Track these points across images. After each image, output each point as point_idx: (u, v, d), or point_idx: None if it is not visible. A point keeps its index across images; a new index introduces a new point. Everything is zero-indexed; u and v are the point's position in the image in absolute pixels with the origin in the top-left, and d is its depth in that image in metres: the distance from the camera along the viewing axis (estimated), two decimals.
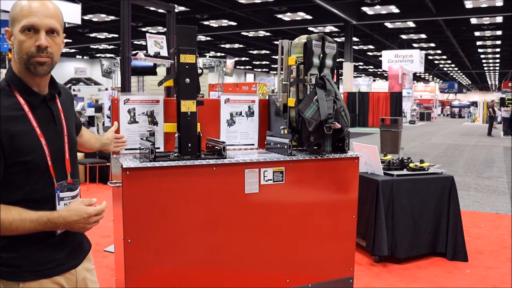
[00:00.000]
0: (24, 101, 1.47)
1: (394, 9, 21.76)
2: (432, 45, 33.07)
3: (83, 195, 1.68)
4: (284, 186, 2.88)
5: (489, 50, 34.92)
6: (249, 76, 47.26)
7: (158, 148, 2.95)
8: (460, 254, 4.29)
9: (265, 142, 3.21)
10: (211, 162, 2.67)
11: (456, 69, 50.04)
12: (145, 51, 3.94)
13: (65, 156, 1.55)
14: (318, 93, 2.92)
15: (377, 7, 21.58)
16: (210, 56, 32.10)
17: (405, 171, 4.42)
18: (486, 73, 53.53)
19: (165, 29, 12.08)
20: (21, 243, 1.45)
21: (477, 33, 27.68)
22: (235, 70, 26.19)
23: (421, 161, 4.62)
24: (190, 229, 2.64)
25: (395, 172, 4.30)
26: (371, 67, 48.06)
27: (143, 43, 26.34)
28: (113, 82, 20.78)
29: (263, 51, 36.72)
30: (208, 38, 29.91)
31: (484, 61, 42.12)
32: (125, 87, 10.53)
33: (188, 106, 2.73)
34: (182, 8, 20.75)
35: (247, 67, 47.60)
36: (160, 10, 16.78)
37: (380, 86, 40.92)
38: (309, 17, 23.35)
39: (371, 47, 34.72)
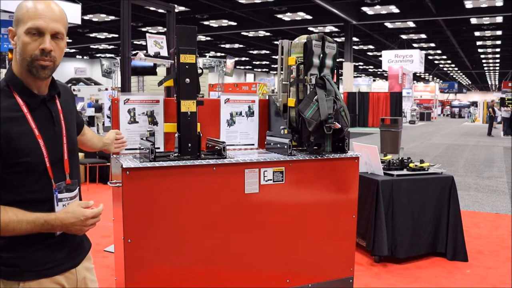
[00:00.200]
0: (23, 102, 1.47)
1: (394, 9, 21.76)
2: (432, 45, 33.08)
3: (83, 195, 1.68)
4: (284, 186, 2.88)
5: (489, 50, 34.93)
6: (249, 76, 47.27)
7: (158, 148, 2.95)
8: (460, 254, 4.29)
9: (265, 142, 3.21)
10: (211, 162, 2.67)
11: (456, 69, 50.04)
12: (145, 51, 3.94)
13: (64, 157, 1.55)
14: (318, 93, 2.92)
15: (377, 7, 21.58)
16: (210, 56, 32.11)
17: (405, 171, 4.42)
18: (486, 73, 53.54)
19: (165, 29, 12.08)
20: (21, 242, 1.45)
21: (477, 33, 27.69)
22: (235, 70, 26.19)
23: (421, 161, 4.62)
24: (190, 229, 2.64)
25: (395, 172, 4.30)
26: (371, 67, 48.07)
27: (143, 43, 26.35)
28: (113, 82, 20.79)
29: (263, 51, 36.72)
30: (208, 38, 29.91)
31: (484, 61, 42.12)
32: (125, 87, 10.53)
33: (188, 106, 2.73)
34: (182, 8, 20.75)
35: (247, 67, 47.61)
36: (160, 10, 16.79)
37: (380, 86, 40.93)
38: (309, 17, 23.36)
39: (371, 47, 34.72)
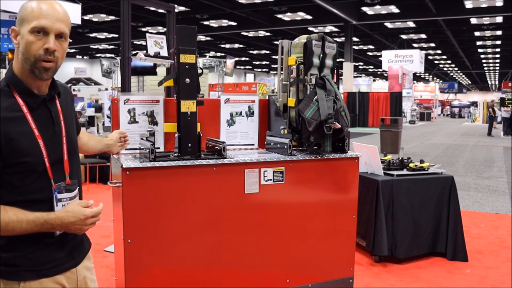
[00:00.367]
0: (23, 102, 1.47)
1: (394, 9, 21.76)
2: (432, 45, 33.08)
3: (83, 195, 1.68)
4: (284, 186, 2.88)
5: (489, 50, 34.93)
6: (249, 76, 47.27)
7: (158, 148, 2.95)
8: (460, 254, 4.29)
9: (265, 142, 3.21)
10: (211, 162, 2.67)
11: (456, 69, 50.05)
12: (145, 51, 3.94)
13: (64, 157, 1.55)
14: (318, 93, 2.92)
15: (377, 7, 21.58)
16: (210, 56, 32.11)
17: (405, 171, 4.42)
18: (486, 73, 53.54)
19: (165, 29, 12.09)
20: (21, 242, 1.45)
21: (477, 33, 27.68)
22: (235, 70, 26.20)
23: (421, 161, 4.61)
24: (190, 229, 2.64)
25: (395, 172, 4.30)
26: (371, 67, 48.07)
27: (143, 43, 26.35)
28: (113, 82, 20.79)
29: (263, 51, 36.72)
30: (208, 38, 29.91)
31: (484, 61, 42.13)
32: (125, 87, 10.54)
33: (188, 106, 2.73)
34: (182, 8, 20.75)
35: (247, 67, 47.61)
36: (160, 10, 16.79)
37: (380, 86, 40.93)
38: (309, 17, 23.36)
39: (371, 47, 34.72)
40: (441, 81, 53.92)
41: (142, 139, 2.80)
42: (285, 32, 26.31)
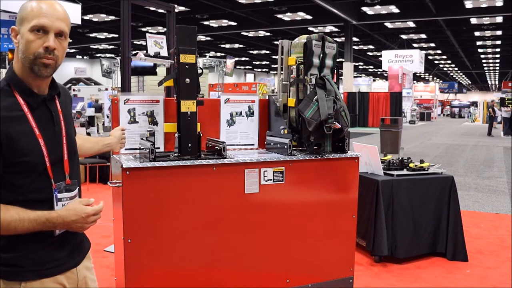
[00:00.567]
0: (23, 102, 1.47)
1: (394, 9, 21.76)
2: (432, 45, 33.08)
3: (83, 195, 1.68)
4: (284, 186, 2.88)
5: (489, 50, 34.92)
6: (249, 76, 47.26)
7: (158, 148, 2.95)
8: (460, 254, 4.29)
9: (265, 142, 3.21)
10: (211, 162, 2.67)
11: (456, 69, 50.04)
12: (145, 51, 3.94)
13: (64, 157, 1.55)
14: (318, 93, 2.92)
15: (377, 7, 21.58)
16: (210, 56, 32.12)
17: (405, 171, 4.42)
18: (486, 73, 53.53)
19: (165, 29, 12.09)
20: (22, 242, 1.45)
21: (477, 33, 27.68)
22: (235, 70, 26.21)
23: (421, 161, 4.61)
24: (190, 229, 2.64)
25: (395, 172, 4.30)
26: (371, 67, 48.06)
27: (143, 43, 26.35)
28: (113, 82, 20.82)
29: (263, 51, 36.72)
30: (208, 38, 29.91)
31: (484, 61, 42.12)
32: (125, 87, 10.54)
33: (188, 106, 2.73)
34: (182, 8, 20.75)
35: (247, 67, 47.61)
36: (160, 10, 16.79)
37: (380, 86, 40.93)
38: (309, 17, 23.36)
39: (371, 47, 34.72)
40: (441, 81, 53.91)
41: (142, 139, 2.80)
42: (285, 32, 26.31)
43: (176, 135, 2.74)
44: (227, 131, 3.21)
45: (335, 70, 3.16)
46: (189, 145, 2.72)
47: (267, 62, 43.84)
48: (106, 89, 20.41)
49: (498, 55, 37.79)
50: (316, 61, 3.04)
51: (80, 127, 9.21)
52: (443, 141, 18.09)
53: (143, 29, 25.65)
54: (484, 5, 20.50)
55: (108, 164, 7.52)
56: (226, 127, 3.21)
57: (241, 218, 2.78)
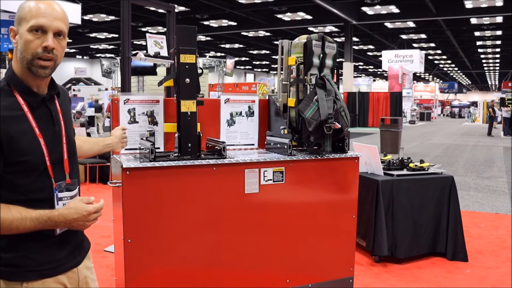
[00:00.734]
0: (23, 101, 1.47)
1: (394, 9, 21.76)
2: (432, 45, 33.08)
3: (83, 196, 1.68)
4: (284, 186, 2.88)
5: (489, 50, 34.92)
6: (249, 76, 47.26)
7: (158, 148, 2.95)
8: (460, 254, 4.29)
9: (265, 142, 3.21)
10: (211, 162, 2.67)
11: (456, 69, 50.04)
12: (145, 51, 3.94)
13: (64, 156, 1.56)
14: (318, 93, 2.92)
15: (377, 7, 21.58)
16: (210, 56, 32.12)
17: (405, 171, 4.42)
18: (486, 73, 53.53)
19: (165, 29, 12.08)
20: (22, 243, 1.45)
21: (477, 33, 27.68)
22: (235, 70, 26.21)
23: (421, 161, 4.61)
24: (190, 229, 2.64)
25: (395, 172, 4.30)
26: (371, 67, 48.06)
27: (143, 43, 26.35)
28: (113, 82, 20.82)
29: (263, 51, 36.72)
30: (208, 38, 29.91)
31: (484, 61, 42.12)
32: (125, 87, 10.53)
33: (188, 106, 2.73)
34: (182, 8, 20.75)
35: (247, 67, 47.60)
36: (160, 10, 16.79)
37: (380, 86, 40.92)
38: (309, 17, 23.36)
39: (371, 47, 34.72)
40: (441, 81, 53.91)
41: (142, 139, 2.80)
42: (285, 32, 26.31)
43: (176, 135, 2.74)
44: (227, 131, 3.21)
45: (335, 70, 3.16)
46: (189, 145, 2.72)
47: (267, 62, 43.84)
48: (106, 89, 20.42)
49: (498, 55, 37.79)
50: (316, 61, 3.04)
51: (80, 127, 9.21)
52: (443, 141, 18.09)
53: (143, 29, 25.65)
54: (484, 5, 20.50)
55: (108, 164, 7.52)
56: (226, 127, 3.21)
57: (241, 218, 2.78)
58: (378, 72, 51.00)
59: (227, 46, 33.81)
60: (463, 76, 58.97)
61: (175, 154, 2.72)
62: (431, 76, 53.35)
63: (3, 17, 10.76)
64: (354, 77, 41.63)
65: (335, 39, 7.24)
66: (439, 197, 4.33)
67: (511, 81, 35.90)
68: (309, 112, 2.86)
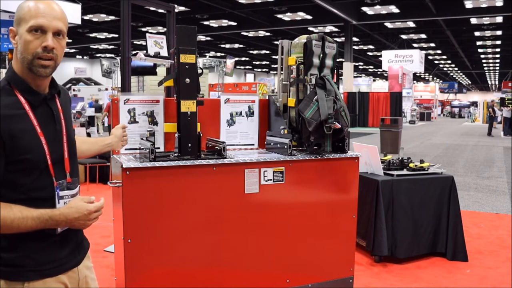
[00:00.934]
0: (24, 100, 1.48)
1: (394, 9, 21.76)
2: (432, 45, 33.07)
3: (83, 195, 1.68)
4: (284, 186, 2.88)
5: (489, 50, 34.91)
6: (249, 76, 47.26)
7: (158, 148, 2.95)
8: (460, 254, 4.29)
9: (265, 142, 3.21)
10: (211, 162, 2.67)
11: (456, 69, 50.04)
12: (145, 51, 3.94)
13: (64, 155, 1.56)
14: (318, 93, 2.92)
15: (377, 7, 21.58)
16: (210, 56, 32.11)
17: (405, 171, 4.42)
18: (486, 73, 53.52)
19: (165, 29, 12.08)
20: (23, 242, 1.46)
21: (477, 33, 27.68)
22: (235, 70, 26.21)
23: (421, 161, 4.61)
24: (190, 229, 2.64)
25: (395, 172, 4.30)
26: (371, 67, 48.06)
27: (143, 43, 26.35)
28: (113, 82, 20.82)
29: (263, 51, 36.71)
30: (208, 38, 29.91)
31: (484, 61, 42.11)
32: (125, 87, 10.53)
33: (188, 106, 2.73)
34: (182, 8, 20.75)
35: (247, 67, 47.60)
36: (160, 10, 16.79)
37: (380, 86, 40.92)
38: (309, 17, 23.35)
39: (371, 47, 34.72)
40: (441, 81, 53.90)
41: (142, 139, 2.80)
42: (285, 32, 26.31)
43: (176, 135, 2.74)
44: (227, 131, 3.21)
45: (335, 70, 3.16)
46: (189, 145, 2.72)
47: (267, 62, 43.84)
48: (106, 89, 20.43)
49: (498, 55, 37.79)
50: (316, 61, 3.04)
51: (80, 127, 9.21)
52: (443, 141, 18.09)
53: (143, 29, 25.65)
54: (484, 5, 20.50)
55: (108, 164, 7.51)
56: (226, 127, 3.21)
57: (241, 218, 2.78)
58: (378, 72, 50.99)
59: (227, 46, 33.81)
60: (463, 76, 58.97)
61: (175, 154, 2.72)
62: (431, 76, 53.34)
63: (3, 17, 10.76)
64: (354, 77, 41.63)
65: (335, 39, 7.24)
66: (439, 197, 4.33)
67: (511, 81, 35.89)
68: (309, 112, 2.86)
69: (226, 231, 2.74)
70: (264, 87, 21.65)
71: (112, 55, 31.62)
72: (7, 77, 1.52)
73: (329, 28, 26.96)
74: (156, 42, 4.03)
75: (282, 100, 3.21)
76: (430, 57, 39.59)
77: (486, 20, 23.68)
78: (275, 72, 47.46)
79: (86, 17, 21.89)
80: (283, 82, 3.23)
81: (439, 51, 36.62)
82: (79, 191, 1.63)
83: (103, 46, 32.99)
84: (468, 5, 20.60)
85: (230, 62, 20.65)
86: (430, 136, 21.09)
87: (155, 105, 2.98)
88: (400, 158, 4.69)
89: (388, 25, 26.06)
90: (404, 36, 29.43)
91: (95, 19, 23.63)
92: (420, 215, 4.24)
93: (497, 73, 52.03)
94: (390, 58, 28.98)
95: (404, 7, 21.46)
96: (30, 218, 1.41)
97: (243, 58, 40.33)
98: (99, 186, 7.80)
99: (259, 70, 50.60)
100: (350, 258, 3.17)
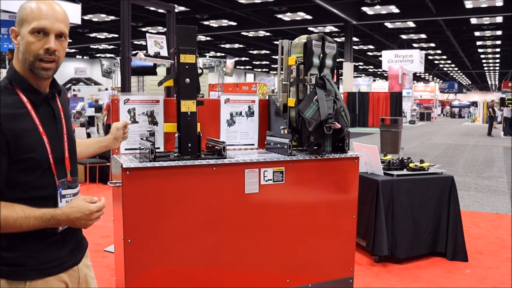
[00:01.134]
0: (26, 99, 1.48)
1: (394, 9, 21.76)
2: (432, 45, 33.07)
3: (83, 195, 1.68)
4: (284, 186, 2.88)
5: (489, 50, 34.91)
6: (249, 76, 47.26)
7: (158, 148, 2.95)
8: (460, 254, 4.29)
9: (265, 142, 3.21)
10: (211, 162, 2.67)
11: (456, 69, 50.04)
12: (145, 51, 3.95)
13: (65, 154, 1.57)
14: (318, 93, 2.92)
15: (377, 7, 21.58)
16: (210, 56, 32.11)
17: (405, 171, 4.42)
18: (486, 73, 53.52)
19: (165, 29, 12.08)
20: (24, 242, 1.46)
21: (477, 33, 27.68)
22: (235, 70, 26.21)
23: (421, 161, 4.61)
24: (190, 229, 2.64)
25: (395, 172, 4.30)
26: (371, 67, 48.06)
27: (143, 43, 26.34)
28: (113, 82, 20.82)
29: (263, 51, 36.71)
30: (208, 38, 29.91)
31: (484, 61, 42.12)
32: (125, 87, 10.53)
33: (188, 106, 2.73)
34: (182, 8, 20.75)
35: (247, 67, 47.60)
36: (160, 10, 16.79)
37: (380, 86, 40.92)
38: (309, 17, 23.35)
39: (371, 47, 34.71)
40: (441, 81, 53.90)
41: (142, 139, 2.80)
42: (285, 32, 26.31)
43: (176, 135, 2.74)
44: (227, 131, 3.21)
45: (335, 70, 3.16)
46: (189, 145, 2.72)
47: (267, 62, 43.84)
48: (106, 89, 20.43)
49: (498, 55, 37.78)
50: (316, 61, 3.04)
51: (80, 127, 9.21)
52: (443, 141, 18.09)
53: (143, 29, 25.65)
54: (484, 5, 20.50)
55: (108, 164, 7.51)
56: (226, 127, 3.21)
57: (241, 218, 2.78)
58: (378, 72, 50.99)
59: (227, 46, 33.81)
60: (463, 76, 58.97)
61: (175, 154, 2.72)
62: (431, 76, 53.34)
63: (3, 17, 10.75)
64: (354, 77, 41.63)
65: (335, 39, 7.24)
66: (439, 197, 4.33)
67: (511, 81, 35.89)
68: (309, 112, 2.86)
69: (226, 231, 2.74)
70: (264, 87, 21.65)
71: (112, 55, 31.61)
72: (8, 76, 1.52)
73: (329, 28, 26.96)
74: (156, 42, 4.04)
75: (282, 100, 3.21)
76: (430, 57, 39.59)
77: (486, 20, 23.68)
78: (275, 72, 47.46)
79: (86, 17, 21.89)
80: (283, 82, 3.24)
81: (439, 51, 36.62)
82: (79, 191, 1.63)
83: (103, 46, 32.99)
84: (468, 5, 20.60)
85: (230, 62, 20.65)
86: (430, 136, 21.09)
87: (155, 105, 2.98)
88: (400, 158, 4.69)
89: (388, 25, 26.06)
90: (404, 36, 29.43)
91: (95, 19, 23.62)
92: (420, 215, 4.24)
93: (497, 73, 52.02)
94: (390, 58, 28.98)
95: (404, 7, 21.46)
96: (32, 217, 1.41)
97: (243, 58, 40.33)
98: (99, 186, 7.80)
99: (259, 70, 50.60)
100: (350, 258, 3.17)
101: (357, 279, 3.46)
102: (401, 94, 26.69)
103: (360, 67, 47.43)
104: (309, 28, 25.37)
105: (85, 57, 39.02)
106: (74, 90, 22.50)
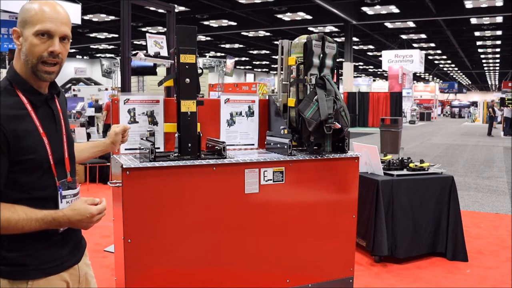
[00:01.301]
0: (27, 100, 1.48)
1: (394, 9, 21.76)
2: (432, 45, 33.07)
3: (83, 195, 1.68)
4: (284, 186, 2.88)
5: (489, 50, 34.91)
6: (249, 76, 47.26)
7: (158, 148, 2.95)
8: (460, 254, 4.29)
9: (265, 142, 3.21)
10: (211, 162, 2.67)
11: (456, 69, 50.03)
12: (145, 51, 3.95)
13: (65, 155, 1.57)
14: (318, 93, 2.92)
15: (377, 7, 21.58)
16: (210, 56, 32.11)
17: (405, 171, 4.42)
18: (486, 73, 53.52)
19: (165, 29, 12.08)
20: (25, 242, 1.46)
21: (477, 33, 27.68)
22: (235, 70, 26.21)
23: (421, 161, 4.61)
24: (190, 229, 2.64)
25: (395, 172, 4.30)
26: (371, 67, 48.06)
27: (143, 43, 26.34)
28: (113, 82, 20.83)
29: (263, 51, 36.71)
30: (208, 38, 29.91)
31: (484, 61, 42.11)
32: (125, 87, 10.52)
33: (188, 106, 2.73)
34: (182, 8, 20.75)
35: (247, 67, 47.60)
36: (160, 10, 16.79)
37: (380, 86, 40.92)
38: (309, 17, 23.36)
39: (371, 47, 34.72)
40: (441, 81, 53.89)
41: (142, 139, 2.80)
42: (285, 32, 26.31)
43: (176, 135, 2.74)
44: (227, 131, 3.21)
45: (335, 70, 3.16)
46: (189, 145, 2.72)
47: (267, 62, 43.84)
48: (106, 89, 20.44)
49: (498, 55, 37.79)
50: (316, 61, 3.04)
51: (80, 127, 9.21)
52: (443, 141, 18.09)
53: (143, 29, 25.65)
54: (484, 5, 20.50)
55: (108, 164, 7.51)
56: (226, 127, 3.21)
57: (241, 218, 2.78)
58: (378, 72, 50.99)
59: (227, 46, 33.81)
60: (463, 76, 58.97)
61: (175, 154, 2.72)
62: (431, 76, 53.34)
63: (3, 17, 10.75)
64: (354, 77, 41.63)
65: (335, 39, 7.24)
66: (439, 197, 4.33)
67: (511, 81, 35.89)
68: (309, 112, 2.86)
69: (226, 231, 2.74)
70: (264, 87, 21.65)
71: (112, 55, 31.62)
72: (8, 77, 1.52)
73: (329, 28, 26.96)
74: (156, 42, 4.04)
75: (282, 100, 3.21)
76: (430, 57, 39.59)
77: (486, 20, 23.68)
78: (275, 72, 47.46)
79: (86, 17, 21.89)
80: (283, 82, 3.24)
81: (439, 51, 36.63)
82: (79, 191, 1.64)
83: (103, 46, 32.99)
84: (468, 5, 20.60)
85: (230, 62, 20.66)
86: (430, 136, 21.09)
87: (155, 105, 2.98)
88: (400, 158, 4.69)
89: (388, 25, 26.06)
90: (404, 36, 29.43)
91: (95, 19, 23.63)
92: (420, 215, 4.24)
93: (497, 73, 52.02)
94: (390, 58, 28.98)
95: (404, 7, 21.46)
96: (34, 219, 1.42)
97: (243, 58, 40.33)
98: (99, 186, 7.80)
99: (259, 70, 50.60)
100: (350, 258, 3.17)
101: (357, 279, 3.46)
102: (401, 94, 26.69)
103: (360, 67, 47.43)
104: (309, 28, 25.37)
105: (85, 57, 39.03)
106: (74, 90, 22.50)
